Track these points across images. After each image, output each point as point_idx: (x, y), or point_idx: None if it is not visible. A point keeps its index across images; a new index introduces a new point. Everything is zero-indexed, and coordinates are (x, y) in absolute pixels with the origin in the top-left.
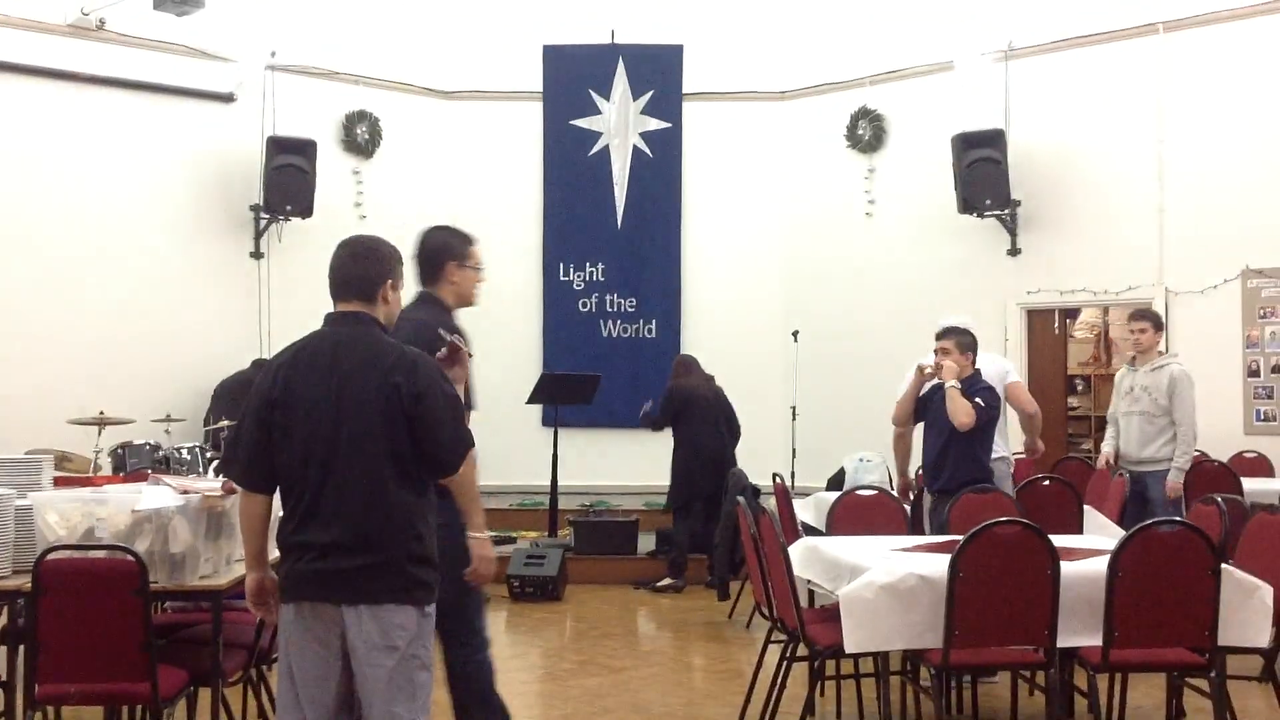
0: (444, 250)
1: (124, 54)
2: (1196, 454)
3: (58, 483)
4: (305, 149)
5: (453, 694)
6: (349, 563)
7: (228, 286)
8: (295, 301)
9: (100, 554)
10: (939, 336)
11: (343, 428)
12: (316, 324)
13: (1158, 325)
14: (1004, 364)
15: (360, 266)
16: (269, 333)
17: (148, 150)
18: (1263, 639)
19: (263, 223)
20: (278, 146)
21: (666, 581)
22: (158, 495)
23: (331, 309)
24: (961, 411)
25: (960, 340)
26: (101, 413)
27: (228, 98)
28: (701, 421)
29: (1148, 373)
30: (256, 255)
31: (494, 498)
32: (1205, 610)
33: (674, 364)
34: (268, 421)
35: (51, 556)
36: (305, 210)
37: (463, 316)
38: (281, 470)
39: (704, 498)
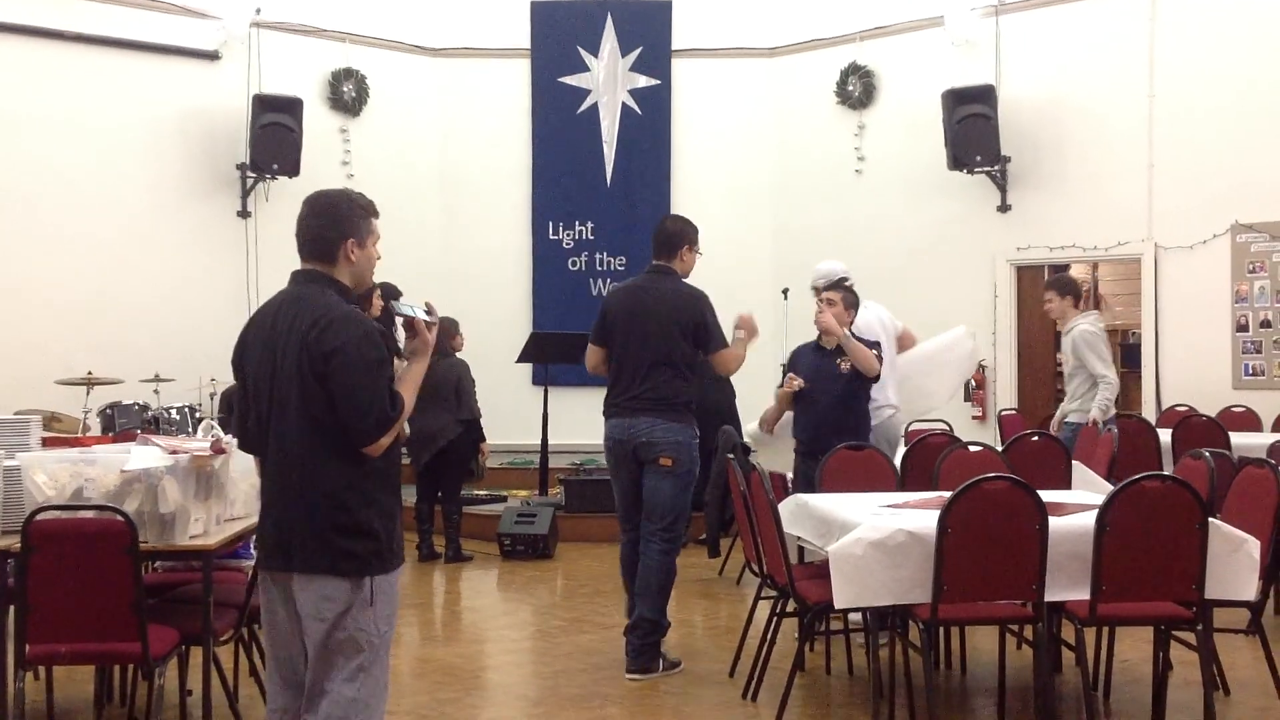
0: (682, 235)
1: (108, 12)
2: (1184, 408)
3: (46, 443)
4: (291, 107)
5: (639, 579)
6: (281, 532)
7: (215, 246)
8: (283, 260)
9: (89, 514)
10: (826, 288)
11: (275, 393)
12: None
13: (1063, 291)
14: (886, 313)
15: (318, 227)
16: (257, 292)
17: (133, 109)
18: (1249, 592)
19: (249, 181)
20: (264, 105)
21: None
22: (146, 455)
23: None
24: (867, 358)
25: (846, 297)
26: (90, 373)
27: (213, 55)
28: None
29: (1064, 336)
30: (243, 214)
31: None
32: (1192, 564)
33: None
34: (237, 389)
35: (41, 517)
36: (292, 169)
37: (454, 278)
38: (251, 435)
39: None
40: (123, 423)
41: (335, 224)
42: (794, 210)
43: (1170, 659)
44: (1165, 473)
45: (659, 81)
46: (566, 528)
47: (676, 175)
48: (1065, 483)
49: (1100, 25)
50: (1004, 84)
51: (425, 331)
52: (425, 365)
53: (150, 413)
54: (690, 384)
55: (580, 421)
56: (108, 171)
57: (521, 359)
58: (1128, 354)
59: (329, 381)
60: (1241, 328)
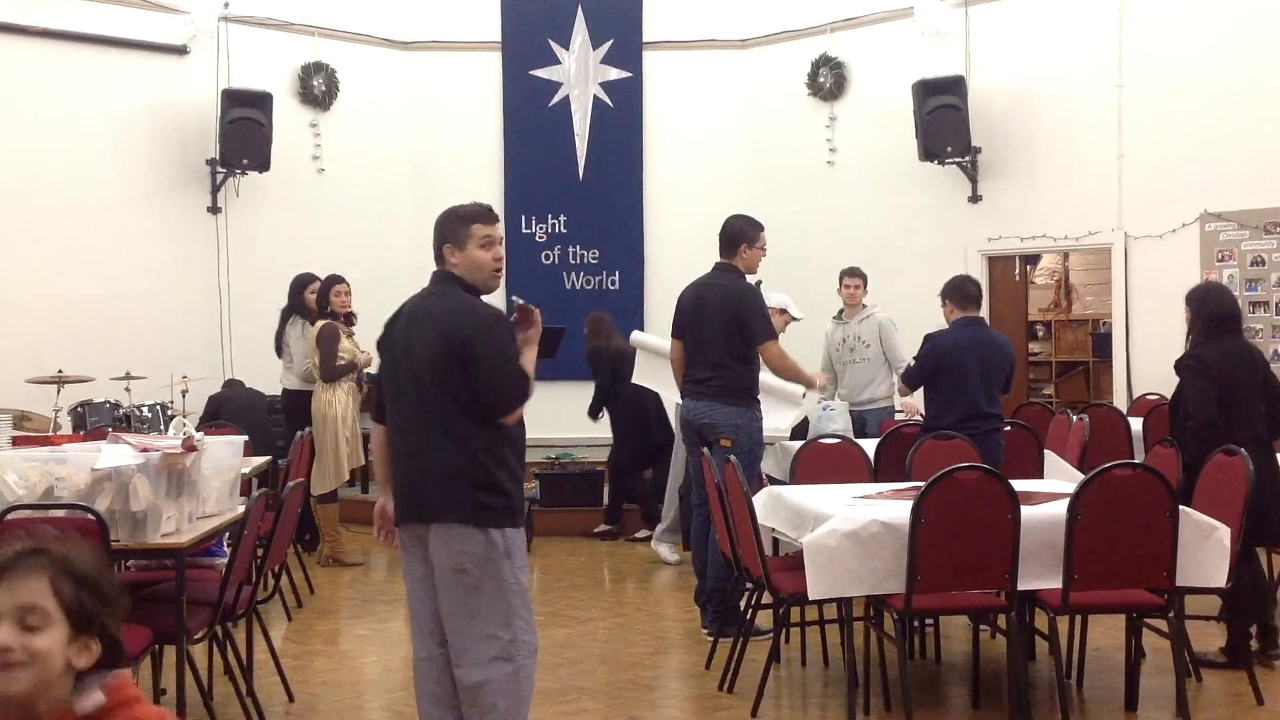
0: (740, 234)
1: (74, 6)
2: (1155, 397)
3: (16, 442)
4: (261, 102)
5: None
6: (423, 486)
7: (186, 242)
8: (254, 256)
9: (60, 513)
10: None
11: (412, 371)
12: (276, 278)
13: (866, 281)
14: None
15: (434, 237)
16: (228, 288)
17: (101, 105)
18: (1220, 579)
19: (219, 177)
20: (233, 99)
21: (643, 533)
22: (117, 453)
23: (300, 268)
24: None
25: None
26: (60, 371)
27: (181, 50)
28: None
29: (857, 324)
30: (214, 210)
31: None
32: (1163, 552)
33: (589, 323)
34: (381, 365)
35: (11, 516)
36: (262, 164)
37: (426, 272)
38: (386, 406)
39: (654, 446)
40: (94, 421)
41: (437, 233)
42: (766, 202)
43: (1143, 646)
44: (1136, 461)
45: (630, 74)
46: (542, 522)
47: (649, 168)
48: (1037, 472)
49: (1069, 16)
50: (974, 75)
51: (537, 323)
52: (535, 349)
53: (121, 410)
54: (749, 370)
55: (554, 416)
56: (76, 168)
57: None
58: (1099, 343)
59: (468, 364)
60: None
